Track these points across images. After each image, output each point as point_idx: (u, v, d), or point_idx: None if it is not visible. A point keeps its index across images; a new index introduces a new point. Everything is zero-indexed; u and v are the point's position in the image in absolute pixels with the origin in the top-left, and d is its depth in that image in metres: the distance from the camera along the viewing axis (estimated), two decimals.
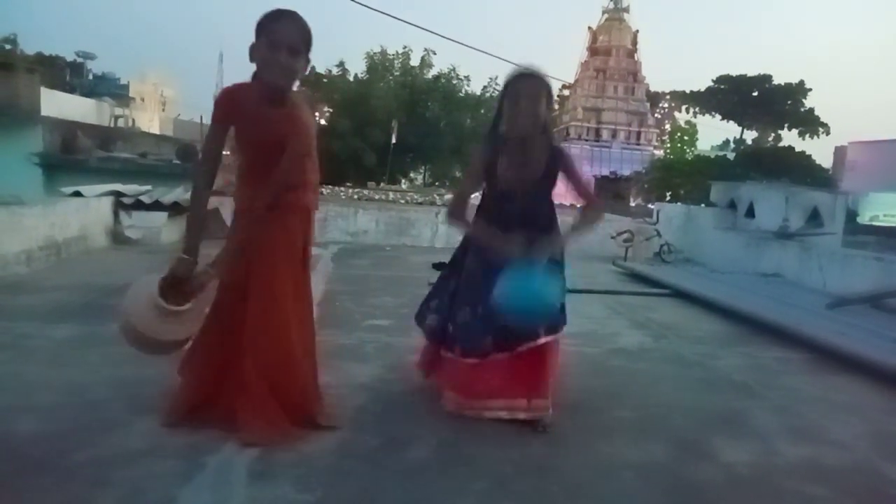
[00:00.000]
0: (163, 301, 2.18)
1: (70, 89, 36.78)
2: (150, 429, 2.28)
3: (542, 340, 2.51)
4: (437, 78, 21.36)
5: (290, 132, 2.22)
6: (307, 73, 2.38)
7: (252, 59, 2.20)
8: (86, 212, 6.48)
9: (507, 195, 2.60)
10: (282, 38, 2.14)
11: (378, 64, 21.23)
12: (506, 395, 2.58)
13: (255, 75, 2.24)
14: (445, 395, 2.69)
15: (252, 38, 2.20)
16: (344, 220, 8.82)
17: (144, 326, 2.17)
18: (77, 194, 6.92)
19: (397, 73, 21.51)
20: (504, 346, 2.52)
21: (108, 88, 43.74)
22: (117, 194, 7.26)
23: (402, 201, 10.80)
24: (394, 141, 17.28)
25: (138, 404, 2.46)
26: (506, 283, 2.36)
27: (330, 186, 12.71)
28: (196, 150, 16.13)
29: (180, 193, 7.94)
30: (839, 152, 29.80)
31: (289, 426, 2.28)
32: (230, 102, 2.24)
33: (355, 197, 11.19)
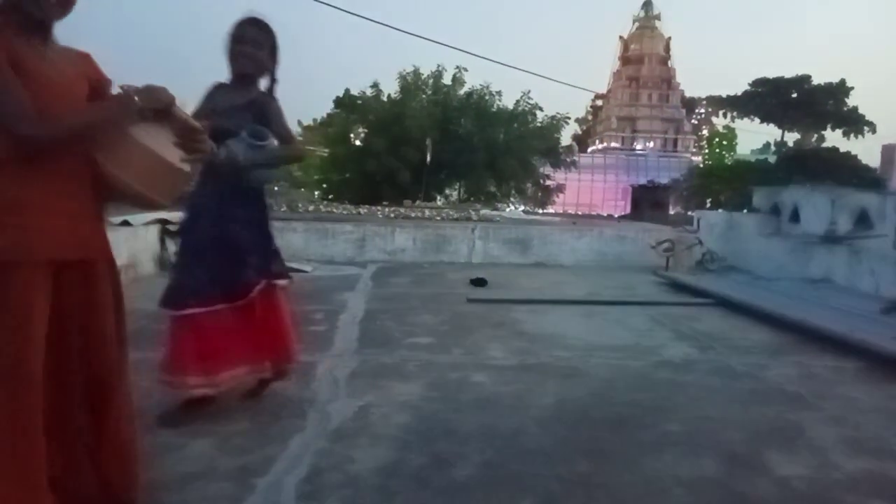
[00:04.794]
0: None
1: None
2: (202, 452, 2.34)
3: (258, 287, 2.64)
4: (469, 95, 21.49)
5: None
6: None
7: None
8: (134, 240, 6.69)
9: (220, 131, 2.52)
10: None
11: (411, 84, 21.47)
12: (248, 360, 2.70)
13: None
14: (184, 381, 2.55)
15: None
16: (381, 239, 8.89)
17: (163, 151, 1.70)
18: (125, 223, 7.16)
19: (430, 92, 21.72)
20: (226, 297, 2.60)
21: None
22: (163, 222, 7.48)
23: (438, 218, 10.83)
24: (428, 159, 17.41)
25: (190, 428, 2.52)
26: None
27: (367, 206, 12.85)
28: None
29: None
30: (887, 151, 28.79)
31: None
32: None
33: (392, 216, 11.28)
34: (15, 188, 1.56)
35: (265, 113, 2.65)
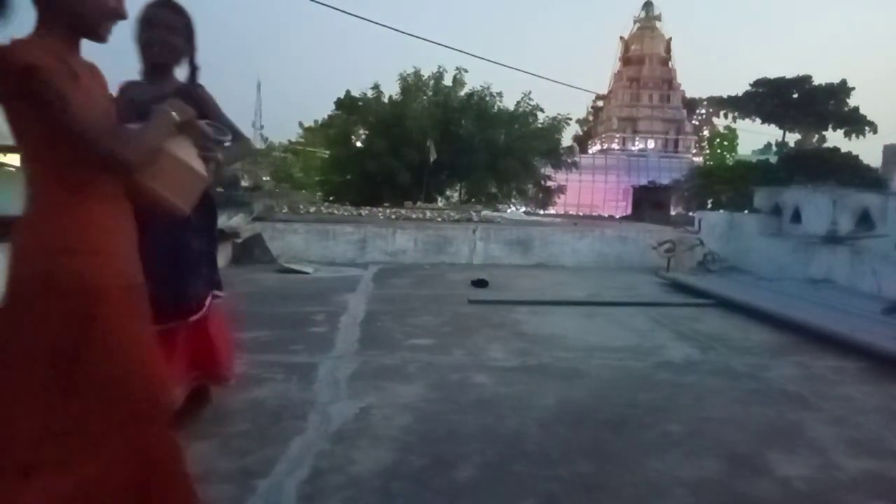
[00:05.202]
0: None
1: None
2: (202, 454, 2.34)
3: (207, 300, 2.51)
4: (469, 96, 21.52)
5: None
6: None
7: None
8: None
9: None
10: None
11: (412, 85, 21.49)
12: (195, 372, 2.54)
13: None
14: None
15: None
16: (382, 240, 8.90)
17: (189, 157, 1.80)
18: None
19: (430, 93, 21.73)
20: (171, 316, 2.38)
21: None
22: None
23: (439, 219, 10.84)
24: (433, 159, 17.40)
25: (190, 429, 2.51)
26: None
27: (368, 207, 12.88)
28: (238, 178, 16.51)
29: (223, 221, 8.15)
30: (889, 151, 28.76)
31: None
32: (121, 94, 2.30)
33: (393, 217, 11.29)
34: (100, 212, 1.53)
35: (198, 104, 2.31)
